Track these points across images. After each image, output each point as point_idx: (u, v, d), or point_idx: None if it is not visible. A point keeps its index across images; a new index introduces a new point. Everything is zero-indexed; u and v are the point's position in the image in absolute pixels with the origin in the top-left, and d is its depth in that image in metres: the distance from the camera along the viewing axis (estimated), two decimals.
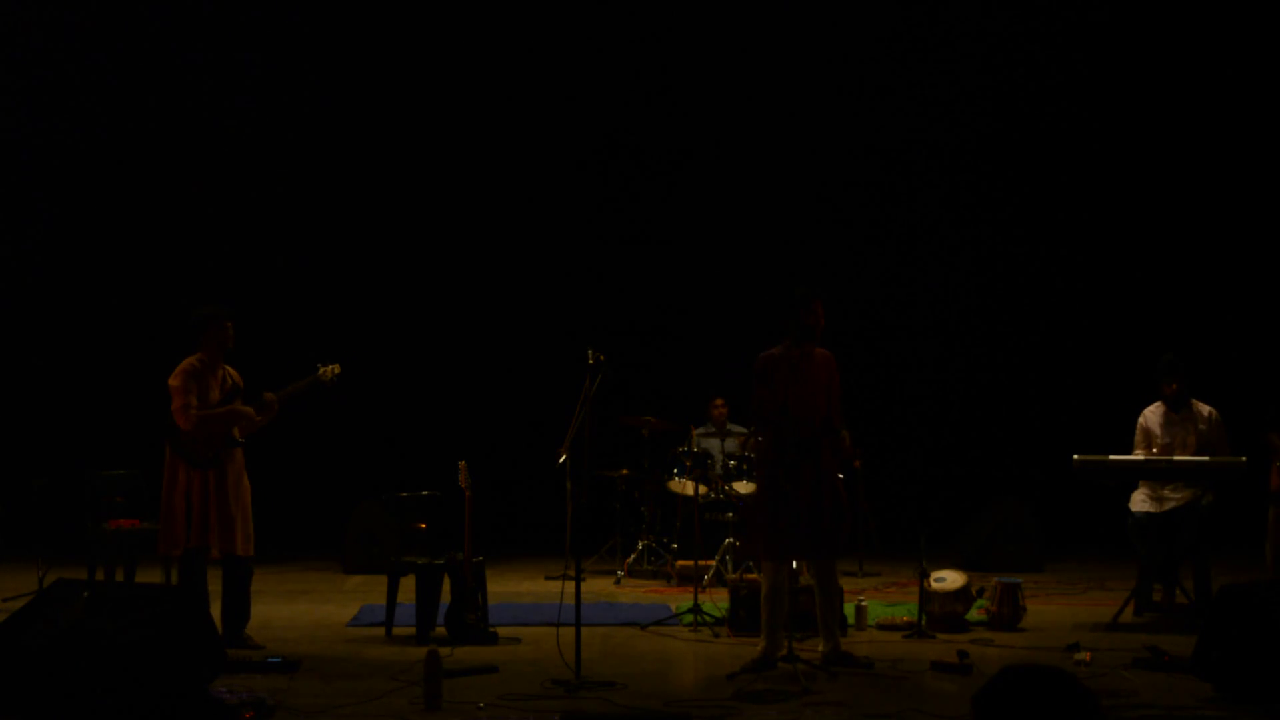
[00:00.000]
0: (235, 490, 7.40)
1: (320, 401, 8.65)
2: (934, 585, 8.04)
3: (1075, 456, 7.96)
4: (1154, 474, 8.09)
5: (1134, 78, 12.63)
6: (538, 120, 12.77)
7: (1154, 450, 8.25)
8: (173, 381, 7.34)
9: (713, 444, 10.55)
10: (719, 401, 10.76)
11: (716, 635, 7.78)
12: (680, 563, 9.97)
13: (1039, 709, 2.65)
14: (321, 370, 7.68)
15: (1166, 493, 8.24)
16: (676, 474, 10.17)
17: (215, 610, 6.94)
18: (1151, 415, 8.42)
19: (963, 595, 8.07)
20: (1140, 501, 8.33)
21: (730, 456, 10.29)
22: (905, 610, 8.24)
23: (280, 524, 7.80)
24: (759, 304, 12.43)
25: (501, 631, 7.64)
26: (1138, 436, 8.43)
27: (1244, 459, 7.79)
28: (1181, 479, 8.12)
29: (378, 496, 10.45)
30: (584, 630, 6.60)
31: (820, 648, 6.94)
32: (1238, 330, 12.24)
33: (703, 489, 9.88)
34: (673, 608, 8.58)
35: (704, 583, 9.10)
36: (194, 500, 7.29)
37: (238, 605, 7.42)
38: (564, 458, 9.37)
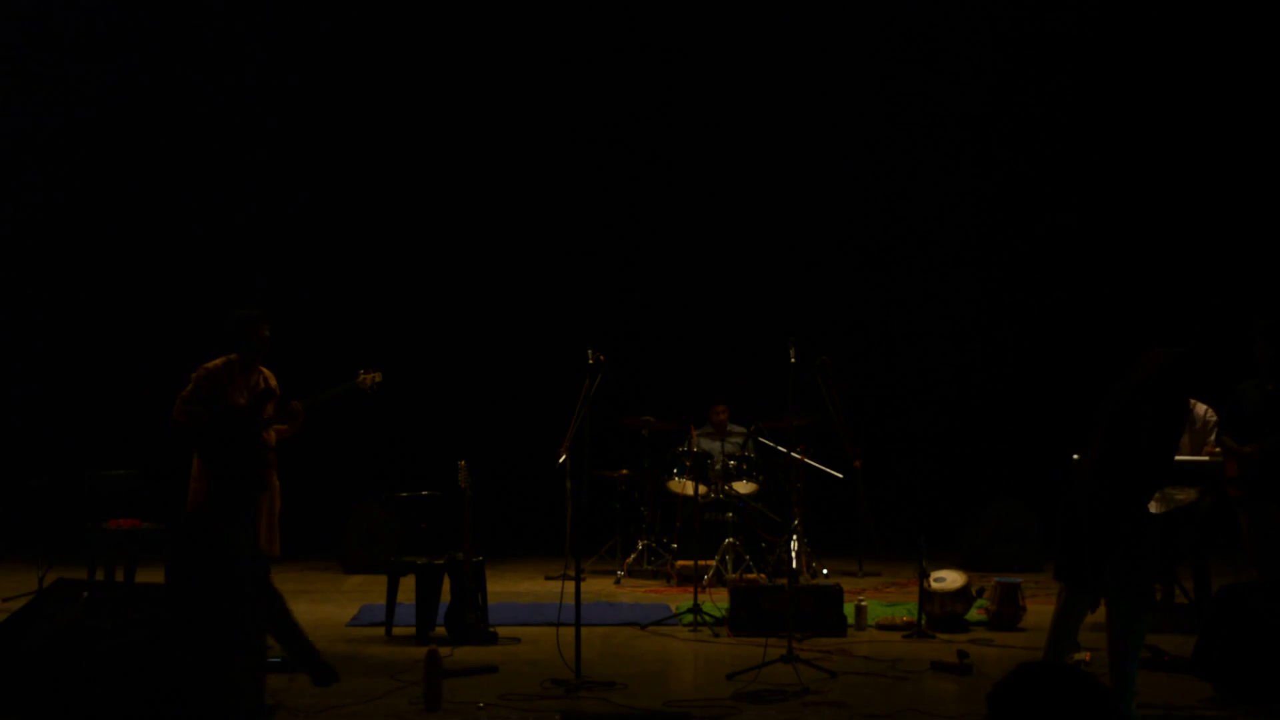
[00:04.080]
0: (263, 492, 7.36)
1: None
2: (934, 585, 8.04)
3: (1075, 456, 7.95)
4: None
5: (1128, 75, 12.63)
6: (537, 120, 12.77)
7: None
8: (193, 375, 7.34)
9: (713, 444, 10.55)
10: (720, 408, 10.73)
11: (716, 635, 7.78)
12: (680, 563, 9.97)
13: (1055, 707, 2.66)
14: (361, 377, 7.60)
15: (1171, 493, 8.24)
16: (676, 474, 10.17)
17: None
18: None
19: (963, 595, 8.07)
20: None
21: (730, 457, 10.29)
22: (905, 610, 8.24)
23: (280, 524, 7.78)
24: (758, 304, 12.49)
25: (501, 631, 7.65)
26: None
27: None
28: (1182, 478, 8.12)
29: (378, 496, 10.46)
30: (584, 630, 6.60)
31: None
32: (1235, 328, 12.21)
33: (703, 489, 9.89)
34: (673, 608, 8.58)
35: (704, 583, 9.10)
36: None
37: None
38: (564, 458, 9.42)
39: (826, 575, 10.01)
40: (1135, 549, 5.52)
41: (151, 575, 8.61)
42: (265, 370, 7.50)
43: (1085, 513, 5.59)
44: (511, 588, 9.80)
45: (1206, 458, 7.97)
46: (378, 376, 7.62)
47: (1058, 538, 5.83)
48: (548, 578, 10.27)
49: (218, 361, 7.38)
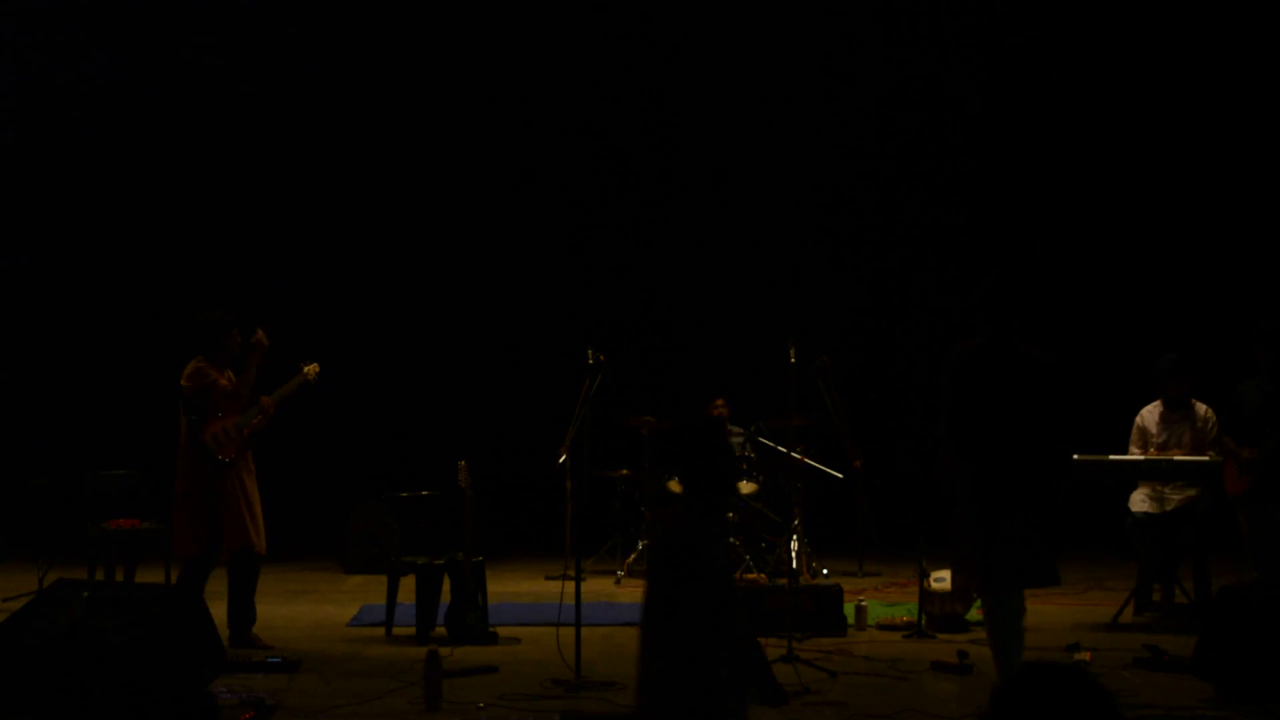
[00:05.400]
0: (250, 487, 7.43)
1: (320, 400, 8.65)
2: (934, 585, 8.03)
3: (1075, 456, 7.96)
4: (1154, 473, 8.11)
5: (1131, 76, 12.62)
6: (537, 119, 12.77)
7: (1150, 449, 8.28)
8: (188, 383, 7.31)
9: None
10: (719, 402, 10.73)
11: None
12: None
13: (1057, 707, 2.66)
14: (305, 369, 7.70)
15: (1168, 492, 8.26)
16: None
17: (219, 611, 6.89)
18: (1148, 414, 8.44)
19: (963, 595, 8.06)
20: (1140, 501, 8.34)
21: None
22: (905, 610, 8.23)
23: (280, 524, 7.79)
24: (758, 304, 12.48)
25: (501, 631, 7.64)
26: (1134, 435, 8.44)
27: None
28: (1181, 478, 8.13)
29: (378, 496, 10.46)
30: (584, 630, 6.60)
31: None
32: (1235, 328, 12.22)
33: None
34: None
35: None
36: (213, 499, 7.26)
37: (245, 604, 7.42)
38: (564, 458, 9.42)
39: (826, 575, 10.00)
40: (1041, 531, 5.79)
41: (151, 575, 8.63)
42: (229, 373, 7.47)
43: (1021, 516, 5.81)
44: (511, 588, 9.79)
45: (1207, 458, 7.98)
46: (316, 367, 7.73)
47: (974, 545, 5.87)
48: (548, 578, 10.26)
49: (200, 362, 7.40)
